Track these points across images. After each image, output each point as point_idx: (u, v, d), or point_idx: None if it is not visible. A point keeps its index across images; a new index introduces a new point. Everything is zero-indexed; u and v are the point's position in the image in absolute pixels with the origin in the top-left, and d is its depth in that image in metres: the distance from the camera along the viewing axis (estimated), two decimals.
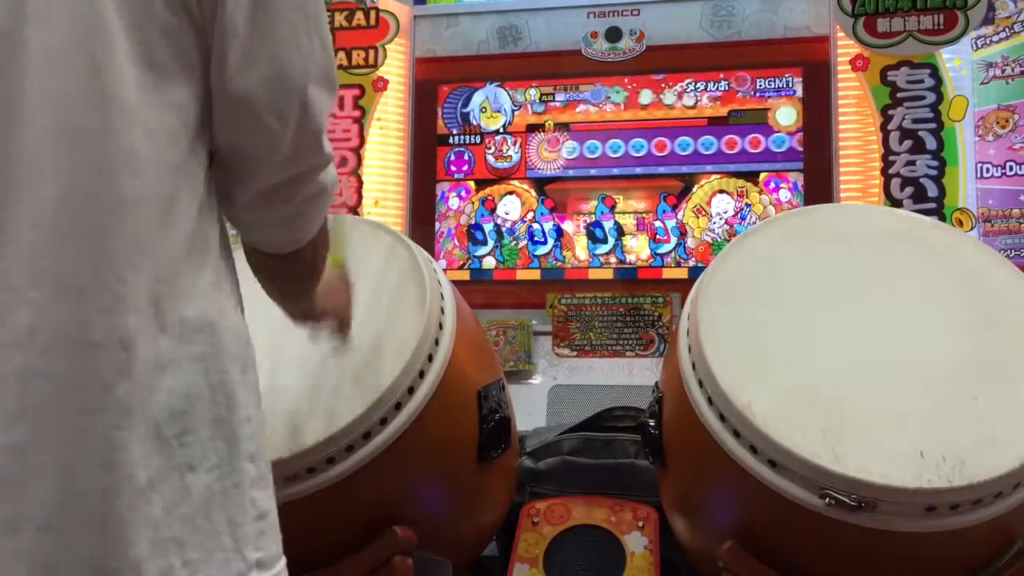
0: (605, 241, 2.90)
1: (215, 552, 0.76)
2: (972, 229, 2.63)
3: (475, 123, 3.02)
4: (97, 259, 0.71)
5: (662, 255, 2.87)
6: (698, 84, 2.92)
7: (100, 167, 0.71)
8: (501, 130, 3.01)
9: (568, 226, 2.93)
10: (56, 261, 0.70)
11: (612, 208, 2.91)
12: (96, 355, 0.70)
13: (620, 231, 2.90)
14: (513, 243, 2.95)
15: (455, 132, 3.04)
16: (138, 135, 0.73)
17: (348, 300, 1.23)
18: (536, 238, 2.93)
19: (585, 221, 2.93)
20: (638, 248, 2.89)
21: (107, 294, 0.70)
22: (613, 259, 2.89)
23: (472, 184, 3.01)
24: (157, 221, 0.74)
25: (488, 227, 2.97)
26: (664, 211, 2.89)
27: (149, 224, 0.73)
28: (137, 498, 0.71)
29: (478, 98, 3.04)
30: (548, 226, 2.94)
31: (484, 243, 2.96)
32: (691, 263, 2.84)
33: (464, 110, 3.04)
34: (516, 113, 3.01)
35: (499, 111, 3.02)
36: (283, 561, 0.85)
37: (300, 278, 1.00)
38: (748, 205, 2.84)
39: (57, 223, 0.70)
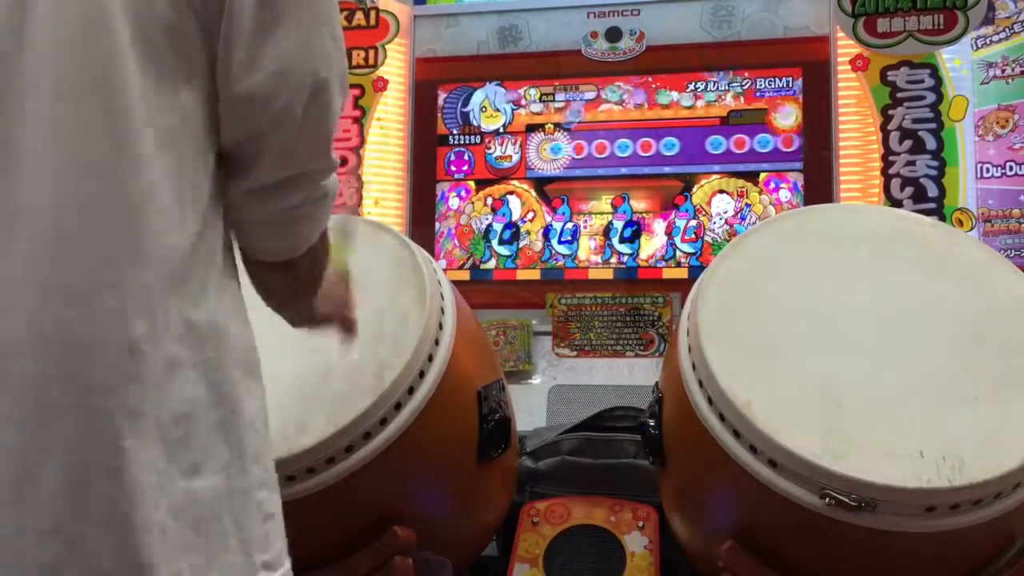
0: (605, 241, 2.90)
1: (222, 555, 0.75)
2: (972, 229, 2.63)
3: (475, 123, 3.02)
4: (99, 262, 0.70)
5: (662, 255, 2.87)
6: (698, 84, 2.92)
7: (101, 168, 0.70)
8: (501, 129, 3.01)
9: (568, 226, 2.93)
10: (58, 264, 0.69)
11: (612, 208, 2.91)
12: (101, 359, 0.69)
13: (621, 231, 2.90)
14: (513, 243, 2.95)
15: (455, 132, 3.04)
16: (141, 136, 0.72)
17: (347, 298, 1.19)
18: (563, 238, 2.92)
19: (585, 221, 2.93)
20: (638, 248, 2.89)
21: (110, 298, 0.70)
22: (613, 259, 2.89)
23: (472, 184, 3.01)
24: (162, 224, 0.73)
25: (497, 227, 2.97)
26: (664, 211, 2.89)
27: (153, 227, 0.72)
28: (144, 502, 0.70)
29: (478, 97, 3.04)
30: (557, 226, 2.94)
31: (491, 243, 2.96)
32: (691, 263, 2.84)
33: (464, 109, 3.04)
34: (516, 113, 3.01)
35: (499, 110, 3.02)
36: (288, 562, 0.85)
37: (297, 291, 0.98)
38: (748, 205, 2.84)
39: (58, 225, 0.69)
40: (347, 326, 1.20)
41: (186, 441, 0.74)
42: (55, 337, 0.68)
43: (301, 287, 0.98)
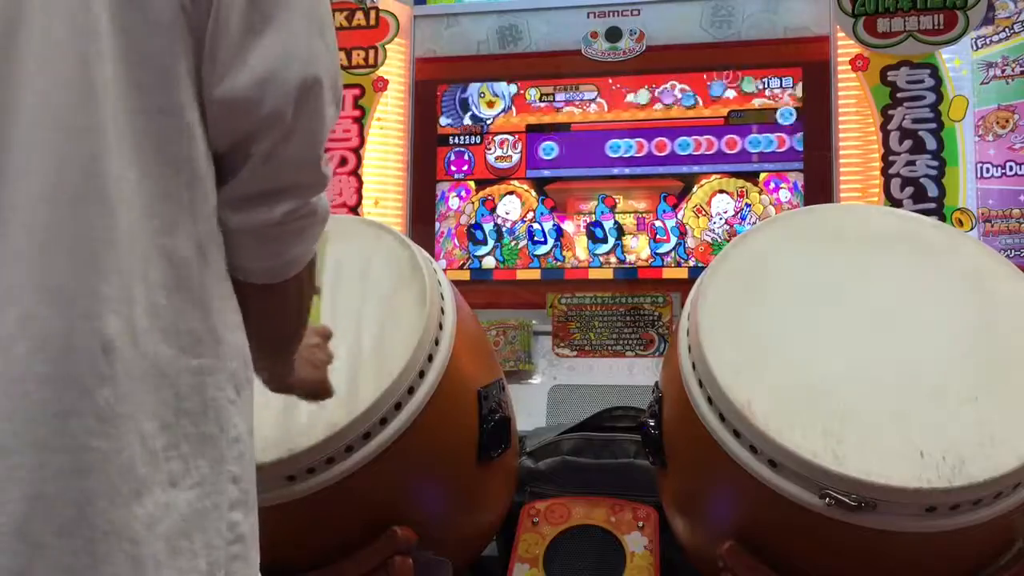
0: (605, 241, 2.90)
1: (189, 574, 0.73)
2: (972, 229, 2.63)
3: (474, 109, 3.01)
4: (81, 261, 0.69)
5: (662, 255, 2.87)
6: (698, 84, 2.92)
7: (86, 168, 0.69)
8: (500, 115, 3.00)
9: (568, 226, 2.93)
10: (43, 262, 0.68)
11: (612, 208, 2.91)
12: (76, 359, 0.68)
13: (620, 231, 2.90)
14: (513, 243, 2.95)
15: (456, 131, 3.04)
16: (127, 136, 0.71)
17: (327, 362, 1.17)
18: (536, 238, 2.93)
19: (585, 221, 2.93)
20: (638, 248, 2.89)
21: (90, 297, 0.69)
22: (613, 259, 2.89)
23: (472, 184, 3.01)
24: (152, 225, 0.72)
25: (488, 227, 2.97)
26: (664, 211, 2.89)
27: (141, 228, 0.71)
28: (117, 510, 0.68)
29: (475, 85, 3.03)
30: (548, 226, 2.94)
31: (484, 243, 2.96)
32: (691, 263, 2.84)
33: (463, 96, 3.04)
34: (515, 104, 3.00)
35: (498, 95, 3.02)
36: None
37: (282, 323, 0.94)
38: (748, 205, 2.84)
39: (45, 223, 0.69)
40: (325, 392, 1.18)
41: (167, 451, 0.72)
42: (37, 335, 0.68)
43: (286, 317, 0.94)
